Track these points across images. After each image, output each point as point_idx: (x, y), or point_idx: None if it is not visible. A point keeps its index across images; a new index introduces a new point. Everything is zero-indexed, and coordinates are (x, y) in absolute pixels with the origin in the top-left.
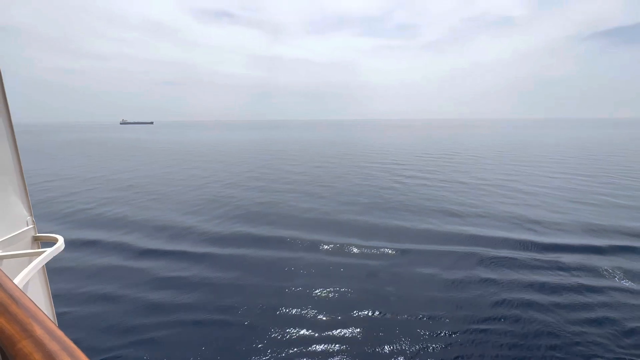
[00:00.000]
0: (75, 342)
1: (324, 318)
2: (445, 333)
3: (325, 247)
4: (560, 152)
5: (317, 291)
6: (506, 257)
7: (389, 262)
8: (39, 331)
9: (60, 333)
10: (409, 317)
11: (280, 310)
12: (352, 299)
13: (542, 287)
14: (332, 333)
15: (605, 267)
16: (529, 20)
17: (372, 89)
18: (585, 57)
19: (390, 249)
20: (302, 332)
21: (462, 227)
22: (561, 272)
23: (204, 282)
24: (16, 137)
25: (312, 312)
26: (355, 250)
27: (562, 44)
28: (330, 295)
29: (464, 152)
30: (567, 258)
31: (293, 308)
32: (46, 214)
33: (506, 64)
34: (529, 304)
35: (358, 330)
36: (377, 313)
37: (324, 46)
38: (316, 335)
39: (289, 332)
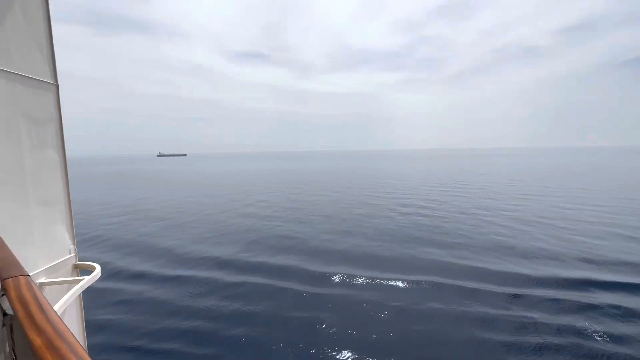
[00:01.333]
0: None
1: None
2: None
3: (314, 276)
4: (584, 181)
5: (290, 319)
6: (473, 289)
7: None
8: None
9: None
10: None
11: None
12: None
13: (499, 323)
14: None
15: (577, 305)
16: (556, 50)
17: (396, 120)
18: (618, 83)
19: (373, 279)
20: None
21: (445, 258)
22: (530, 308)
23: (174, 309)
24: (68, 171)
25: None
26: (336, 279)
27: (592, 71)
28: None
29: (479, 182)
30: (541, 293)
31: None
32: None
33: (532, 93)
34: (484, 342)
35: None
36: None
37: (349, 80)
38: None
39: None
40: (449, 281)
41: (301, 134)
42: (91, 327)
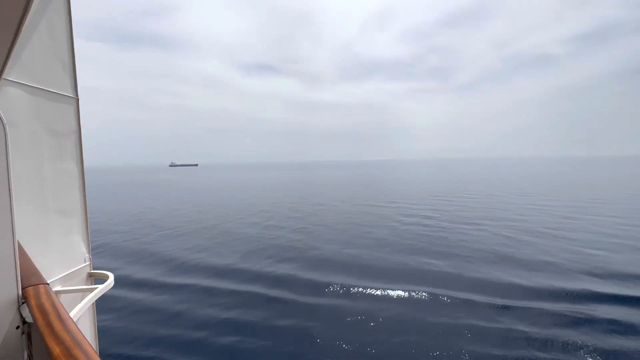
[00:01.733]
0: None
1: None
2: None
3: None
4: (597, 191)
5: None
6: (471, 301)
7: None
8: None
9: None
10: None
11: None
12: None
13: (497, 336)
14: None
15: (577, 320)
16: (570, 58)
17: (406, 130)
18: (638, 90)
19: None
20: None
21: (445, 269)
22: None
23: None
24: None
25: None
26: (332, 289)
27: (609, 79)
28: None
29: (487, 191)
30: (541, 306)
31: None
32: None
33: (546, 102)
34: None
35: None
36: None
37: (359, 90)
38: None
39: None
40: (447, 292)
41: (311, 144)
42: None
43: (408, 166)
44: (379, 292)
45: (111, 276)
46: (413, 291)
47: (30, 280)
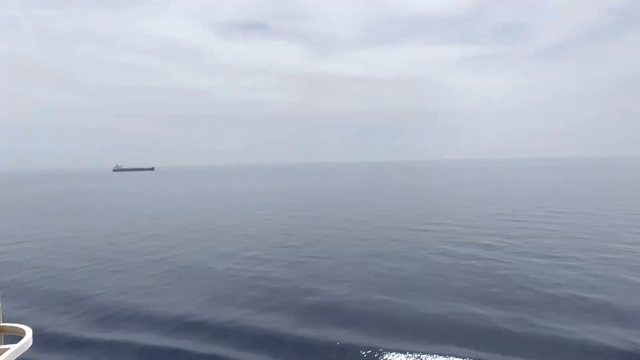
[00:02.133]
0: None
1: None
2: None
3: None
4: None
5: None
6: None
7: None
8: None
9: None
10: None
11: None
12: None
13: None
14: None
15: None
16: None
17: (461, 117)
18: None
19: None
20: None
21: (498, 323)
22: None
23: None
24: None
25: None
26: (332, 352)
27: None
28: None
29: (574, 209)
30: None
31: None
32: None
33: None
34: None
35: None
36: None
37: (390, 58)
38: None
39: None
40: (497, 357)
41: (319, 138)
42: None
43: (462, 170)
44: (402, 359)
45: (29, 332)
46: (454, 356)
47: None
